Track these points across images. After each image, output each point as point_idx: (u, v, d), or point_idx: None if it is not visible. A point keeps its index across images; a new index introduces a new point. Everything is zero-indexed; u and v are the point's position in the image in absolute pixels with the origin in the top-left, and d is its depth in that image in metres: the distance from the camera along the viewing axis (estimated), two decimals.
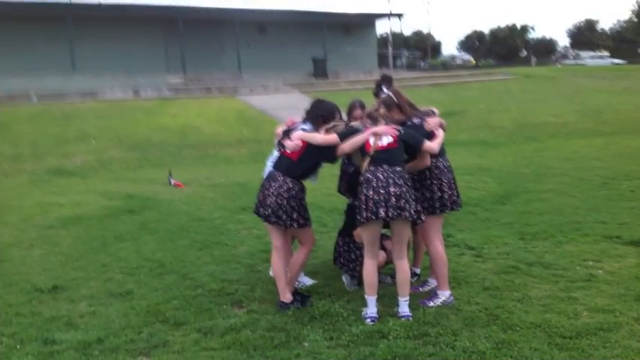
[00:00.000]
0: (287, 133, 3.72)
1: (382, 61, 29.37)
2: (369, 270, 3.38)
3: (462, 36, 60.52)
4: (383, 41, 33.84)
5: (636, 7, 48.54)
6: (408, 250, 3.72)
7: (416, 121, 3.62)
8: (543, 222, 5.52)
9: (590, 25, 53.27)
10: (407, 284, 3.40)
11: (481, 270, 4.15)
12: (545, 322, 3.16)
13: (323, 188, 5.90)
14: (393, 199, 3.21)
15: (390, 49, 30.22)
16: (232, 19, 21.75)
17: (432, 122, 3.61)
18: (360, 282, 3.70)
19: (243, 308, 3.63)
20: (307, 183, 3.71)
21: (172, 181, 8.84)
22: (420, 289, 3.85)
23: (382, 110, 3.62)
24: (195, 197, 7.77)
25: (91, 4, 19.43)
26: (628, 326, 3.07)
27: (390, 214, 3.22)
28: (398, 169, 3.33)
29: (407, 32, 50.69)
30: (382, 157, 3.35)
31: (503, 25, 53.56)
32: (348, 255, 3.94)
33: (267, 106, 16.17)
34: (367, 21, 27.79)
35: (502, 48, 50.53)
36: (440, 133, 3.59)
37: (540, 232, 5.13)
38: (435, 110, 3.81)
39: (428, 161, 3.54)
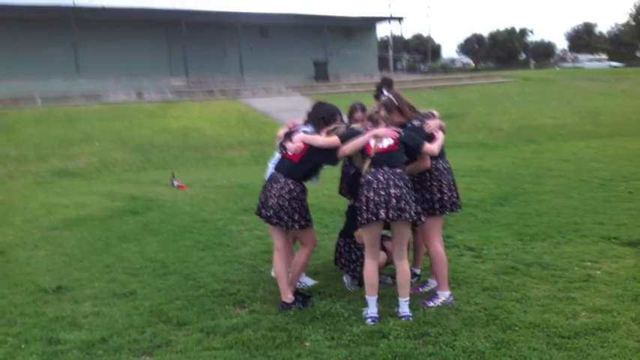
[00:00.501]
0: (288, 136, 3.75)
1: (383, 64, 29.42)
2: (370, 270, 3.41)
3: (461, 39, 60.80)
4: (383, 44, 33.90)
5: (634, 10, 48.65)
6: (408, 250, 3.75)
7: (416, 123, 3.65)
8: (542, 223, 5.55)
9: (588, 29, 53.39)
10: (407, 284, 3.43)
11: (480, 270, 4.19)
12: (544, 322, 3.19)
13: (324, 190, 5.95)
14: (394, 201, 3.24)
15: (391, 52, 30.26)
16: (234, 23, 21.82)
17: (431, 124, 3.64)
18: (360, 282, 3.74)
19: (245, 308, 3.66)
20: (308, 184, 3.75)
21: (175, 183, 8.89)
22: (420, 290, 3.88)
23: (383, 112, 3.65)
24: (197, 198, 7.81)
25: (95, 7, 19.50)
26: (626, 326, 3.10)
27: (391, 215, 3.25)
28: (398, 170, 3.37)
29: (407, 35, 50.99)
30: (383, 158, 3.38)
31: (502, 28, 53.83)
32: (349, 256, 3.97)
33: (269, 109, 16.23)
34: (368, 24, 27.84)
35: (501, 51, 50.68)
36: (440, 135, 3.62)
37: (539, 233, 5.16)
38: (435, 112, 3.84)
39: (428, 163, 3.57)
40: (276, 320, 3.41)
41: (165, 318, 3.52)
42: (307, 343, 3.09)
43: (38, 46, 19.35)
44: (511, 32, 52.33)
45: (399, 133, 3.46)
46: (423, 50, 47.78)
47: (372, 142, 3.43)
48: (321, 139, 3.59)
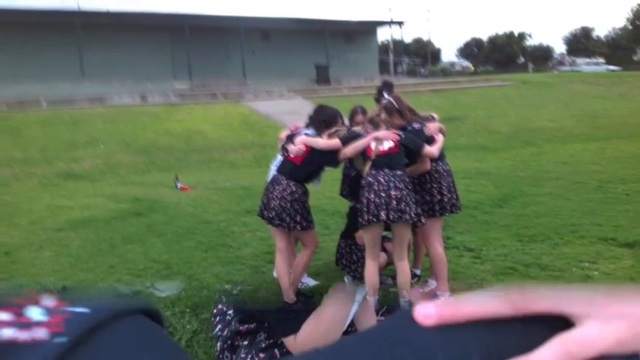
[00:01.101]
0: (290, 138, 3.81)
1: (383, 67, 29.50)
2: (371, 271, 3.45)
3: (461, 43, 61.05)
4: (384, 48, 33.97)
5: (631, 14, 48.76)
6: (409, 251, 3.80)
7: (416, 125, 3.71)
8: (540, 224, 5.59)
9: (585, 33, 53.48)
10: (407, 285, 3.47)
11: (480, 271, 4.23)
12: None
13: (326, 191, 5.99)
14: (394, 202, 3.28)
15: (391, 55, 30.35)
16: (237, 27, 21.94)
17: (431, 127, 3.70)
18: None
19: None
20: (310, 186, 3.79)
21: (179, 185, 8.95)
22: (420, 290, 3.94)
23: (383, 115, 3.70)
24: (200, 200, 7.86)
25: (100, 11, 19.65)
26: None
27: (391, 216, 3.28)
28: (399, 172, 3.41)
29: (407, 39, 51.18)
30: (383, 161, 3.42)
31: (501, 32, 54.08)
32: (349, 256, 4.02)
33: (271, 112, 16.32)
34: (369, 28, 27.95)
35: (500, 55, 50.80)
36: (439, 138, 3.67)
37: (537, 234, 5.19)
38: (435, 115, 3.90)
39: (428, 165, 3.62)
40: None
41: None
42: None
43: (44, 50, 19.49)
44: (510, 36, 52.45)
45: (399, 135, 3.51)
46: (423, 54, 47.85)
47: (373, 145, 3.47)
48: (323, 142, 3.64)
